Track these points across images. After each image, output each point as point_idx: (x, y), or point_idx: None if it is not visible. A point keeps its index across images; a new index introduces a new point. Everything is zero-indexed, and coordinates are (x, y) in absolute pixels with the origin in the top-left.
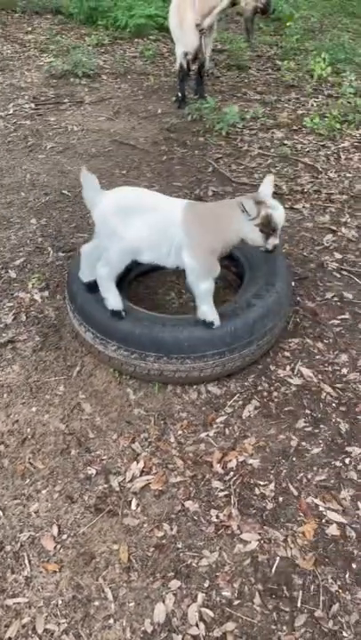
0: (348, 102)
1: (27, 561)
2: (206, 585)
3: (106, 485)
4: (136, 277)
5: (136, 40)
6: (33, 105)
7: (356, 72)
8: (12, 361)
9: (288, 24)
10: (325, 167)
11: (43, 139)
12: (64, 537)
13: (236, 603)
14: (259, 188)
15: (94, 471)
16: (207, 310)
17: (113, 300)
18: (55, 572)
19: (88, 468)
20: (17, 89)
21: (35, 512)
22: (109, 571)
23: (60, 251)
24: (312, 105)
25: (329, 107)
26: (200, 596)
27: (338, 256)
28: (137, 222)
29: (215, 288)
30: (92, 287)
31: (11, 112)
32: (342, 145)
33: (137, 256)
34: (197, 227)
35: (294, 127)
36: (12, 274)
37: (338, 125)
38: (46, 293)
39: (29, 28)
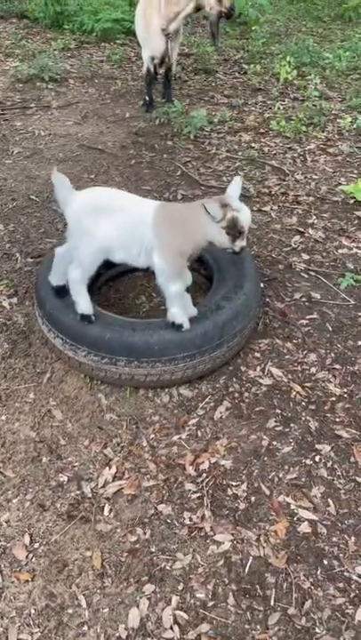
0: (314, 105)
1: None
2: (180, 587)
3: (78, 492)
4: (106, 282)
5: (103, 44)
6: None
7: (321, 75)
8: None
9: (254, 28)
10: (292, 169)
11: (9, 144)
12: (36, 546)
13: (210, 604)
14: (226, 190)
15: (66, 478)
16: (176, 312)
17: (83, 303)
18: (28, 581)
19: (60, 475)
20: None
21: (5, 522)
22: (83, 578)
23: (28, 256)
24: (278, 108)
25: (295, 110)
26: (174, 599)
27: (305, 257)
28: (108, 222)
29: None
30: (61, 291)
31: None
32: (308, 147)
33: (109, 255)
34: (167, 228)
35: (261, 130)
36: None
37: (304, 128)
38: (15, 300)
39: None
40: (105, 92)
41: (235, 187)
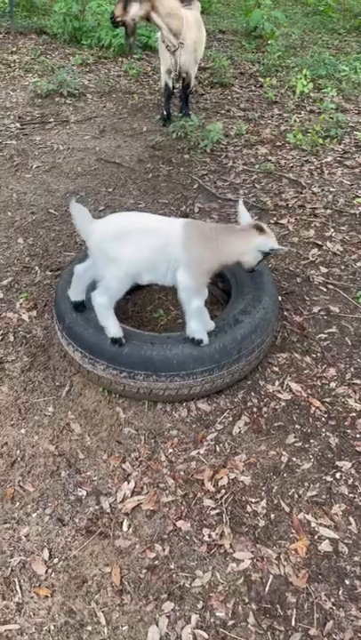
0: (330, 117)
1: (18, 587)
2: (200, 606)
3: (97, 507)
4: (124, 295)
5: (120, 59)
6: (18, 125)
7: (337, 88)
8: (0, 382)
9: (270, 41)
10: (309, 182)
11: (29, 158)
12: (55, 561)
13: (230, 623)
14: (239, 216)
15: (85, 493)
16: (196, 328)
17: (112, 327)
18: (47, 596)
19: (78, 489)
20: (2, 109)
21: (25, 536)
22: (102, 594)
23: (47, 270)
24: (295, 121)
25: (311, 122)
26: (194, 618)
27: (323, 270)
28: (133, 246)
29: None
30: (79, 306)
31: None
32: (325, 160)
33: (136, 279)
34: (198, 245)
35: (278, 143)
36: (0, 294)
37: (320, 141)
38: (34, 313)
39: (14, 49)
40: (122, 107)
41: (243, 211)
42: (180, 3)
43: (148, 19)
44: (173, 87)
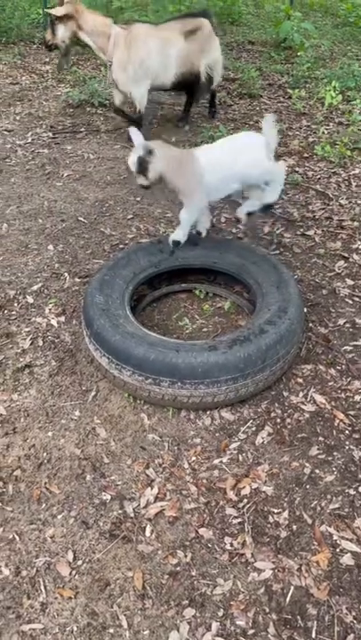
0: (359, 130)
1: (42, 587)
2: (220, 614)
3: (120, 511)
4: (150, 303)
5: None
6: (50, 134)
7: None
8: (28, 385)
9: (299, 53)
10: (336, 194)
11: (60, 167)
12: (79, 563)
13: (250, 632)
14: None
15: (109, 497)
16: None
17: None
18: (70, 598)
19: (103, 493)
20: (35, 118)
21: (50, 537)
22: (124, 598)
23: (76, 276)
24: (323, 133)
25: (340, 134)
26: (214, 625)
27: (350, 282)
28: None
29: (227, 314)
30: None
31: (29, 141)
32: (353, 172)
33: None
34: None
35: (305, 155)
36: (30, 299)
37: (348, 153)
38: (62, 318)
39: (47, 59)
40: (152, 117)
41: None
42: (108, 20)
43: (77, 38)
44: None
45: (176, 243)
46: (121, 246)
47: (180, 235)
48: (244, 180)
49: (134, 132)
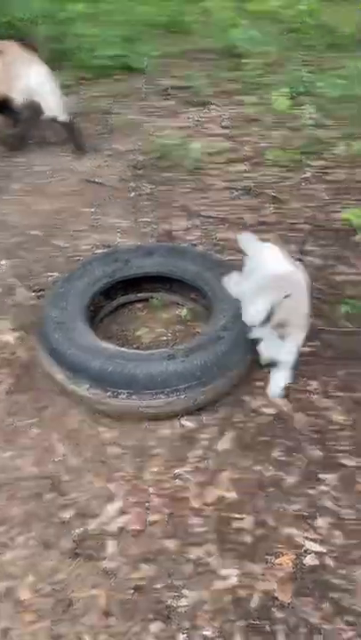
0: (309, 134)
1: (2, 612)
2: (187, 625)
3: (82, 529)
4: (108, 314)
5: (100, 80)
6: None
7: (316, 104)
8: None
9: (247, 60)
10: (289, 198)
11: (11, 180)
12: (41, 585)
13: None
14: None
15: (70, 515)
16: None
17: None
18: (33, 622)
19: (64, 511)
20: None
21: (10, 561)
22: (88, 617)
23: (30, 290)
24: (274, 138)
25: (290, 139)
26: (181, 638)
27: None
28: None
29: (185, 321)
30: None
31: None
32: (304, 176)
33: None
34: None
35: (257, 160)
36: None
37: (299, 157)
38: (18, 334)
39: None
40: (102, 127)
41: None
42: None
43: None
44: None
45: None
46: (76, 258)
47: (284, 378)
48: None
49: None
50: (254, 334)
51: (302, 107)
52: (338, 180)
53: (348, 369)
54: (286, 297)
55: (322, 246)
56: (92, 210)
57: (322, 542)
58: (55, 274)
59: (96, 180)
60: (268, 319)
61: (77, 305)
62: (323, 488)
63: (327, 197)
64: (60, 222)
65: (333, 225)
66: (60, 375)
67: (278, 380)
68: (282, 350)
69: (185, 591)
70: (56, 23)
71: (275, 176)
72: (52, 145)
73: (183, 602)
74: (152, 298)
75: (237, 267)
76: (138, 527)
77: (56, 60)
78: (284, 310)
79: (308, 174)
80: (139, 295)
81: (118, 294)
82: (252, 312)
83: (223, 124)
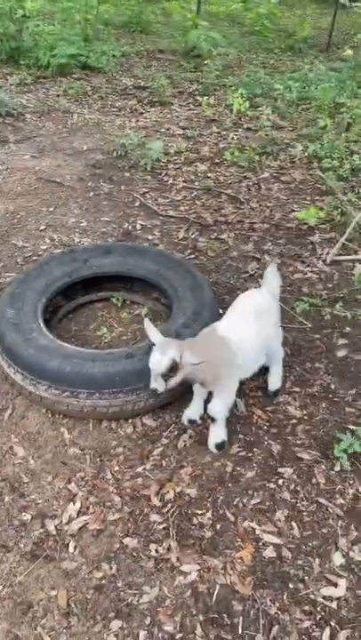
0: (266, 135)
1: None
2: (148, 622)
3: (42, 530)
4: (66, 314)
5: (59, 79)
6: None
7: (273, 106)
8: None
9: (207, 61)
10: (247, 198)
11: None
12: (0, 588)
13: (178, 637)
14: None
15: (29, 517)
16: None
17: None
18: None
19: (23, 513)
20: None
21: None
22: (48, 618)
23: None
24: (232, 138)
25: (248, 140)
26: (142, 634)
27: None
28: None
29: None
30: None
31: None
32: (262, 176)
33: None
34: None
35: (216, 160)
36: None
37: (257, 157)
38: None
39: None
40: (62, 126)
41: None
42: None
43: None
44: None
45: (221, 445)
46: (34, 258)
47: (220, 434)
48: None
49: (150, 327)
50: (152, 385)
51: (260, 108)
52: (294, 181)
53: (305, 364)
54: (199, 364)
55: (279, 245)
56: (51, 209)
57: (280, 534)
58: (13, 274)
59: (55, 180)
60: (171, 371)
61: (34, 305)
62: (281, 482)
63: (284, 197)
64: (17, 221)
65: (290, 224)
66: (17, 376)
67: (212, 437)
68: (211, 407)
69: (146, 588)
70: (12, 20)
71: (234, 176)
72: (10, 143)
73: (144, 599)
74: (112, 297)
75: (197, 265)
76: (98, 527)
77: (13, 58)
78: (202, 373)
79: (265, 174)
80: (99, 295)
81: (78, 294)
82: (157, 359)
83: (182, 124)
